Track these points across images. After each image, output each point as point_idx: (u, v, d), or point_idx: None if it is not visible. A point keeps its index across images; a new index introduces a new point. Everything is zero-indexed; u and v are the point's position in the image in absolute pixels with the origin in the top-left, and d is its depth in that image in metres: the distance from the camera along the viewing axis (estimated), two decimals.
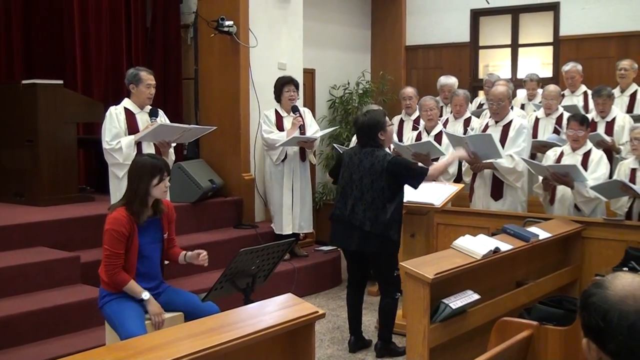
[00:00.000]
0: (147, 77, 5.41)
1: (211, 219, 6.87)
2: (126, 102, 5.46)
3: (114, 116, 5.33)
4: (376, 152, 4.89)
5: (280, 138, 6.49)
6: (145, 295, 3.96)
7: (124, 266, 3.96)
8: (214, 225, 6.86)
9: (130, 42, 7.53)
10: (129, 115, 5.40)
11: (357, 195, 4.89)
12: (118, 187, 5.25)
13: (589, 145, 5.95)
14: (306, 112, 6.84)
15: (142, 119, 5.45)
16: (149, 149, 5.35)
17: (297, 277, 6.45)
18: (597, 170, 5.75)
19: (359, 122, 5.00)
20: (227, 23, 6.97)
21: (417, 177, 4.88)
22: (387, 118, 5.08)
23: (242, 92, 7.14)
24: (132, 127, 5.38)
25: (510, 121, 6.14)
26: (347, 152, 5.20)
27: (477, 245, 4.43)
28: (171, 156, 5.52)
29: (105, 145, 5.30)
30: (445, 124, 7.10)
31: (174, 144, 5.55)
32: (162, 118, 5.56)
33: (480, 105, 8.26)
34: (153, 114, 5.47)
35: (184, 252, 4.30)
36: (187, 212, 6.57)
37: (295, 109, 6.60)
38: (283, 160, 6.67)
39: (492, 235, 4.98)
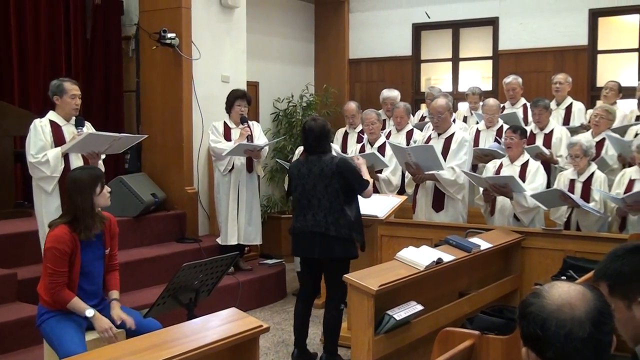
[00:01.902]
0: (72, 87, 5.17)
1: (153, 234, 6.77)
2: (51, 115, 5.18)
3: (39, 129, 5.06)
4: (323, 157, 4.94)
5: (226, 147, 6.45)
6: (90, 312, 3.86)
7: (66, 284, 3.86)
8: (157, 240, 6.76)
9: (69, 54, 7.39)
10: (55, 127, 5.14)
11: (314, 203, 4.91)
12: (46, 203, 5.05)
13: (527, 156, 6.12)
14: (254, 125, 6.83)
15: (69, 131, 5.19)
16: (77, 160, 5.13)
17: (242, 291, 6.40)
18: (535, 181, 5.93)
19: (309, 125, 5.02)
20: (169, 35, 6.91)
21: (361, 183, 4.94)
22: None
23: (185, 105, 7.08)
24: (58, 140, 5.12)
25: (452, 134, 6.25)
26: (292, 165, 5.21)
27: (420, 257, 4.49)
28: (101, 167, 5.32)
29: (30, 159, 5.02)
30: (387, 137, 7.18)
31: (103, 156, 5.32)
32: (89, 128, 5.32)
33: (423, 118, 8.38)
34: (79, 124, 5.22)
35: (115, 293, 4.15)
36: (128, 226, 6.45)
37: (243, 120, 6.57)
38: (230, 171, 6.63)
39: (435, 246, 5.06)
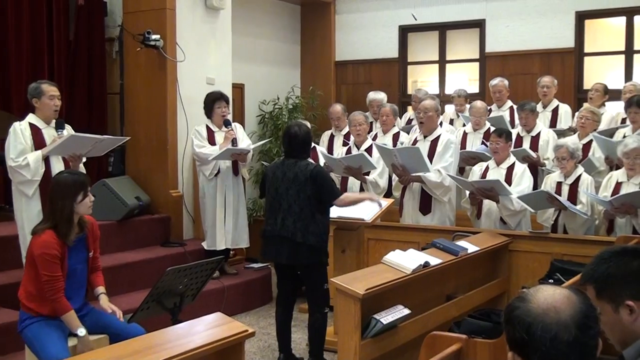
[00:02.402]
0: (50, 89, 5.13)
1: (138, 238, 6.74)
2: (31, 118, 5.15)
3: (19, 132, 5.02)
4: (299, 163, 4.95)
5: (212, 152, 6.43)
6: (82, 331, 3.84)
7: (64, 288, 3.85)
8: (141, 244, 6.73)
9: (52, 55, 7.33)
10: (35, 130, 5.10)
11: (285, 207, 4.91)
12: (26, 207, 5.01)
13: (513, 159, 6.16)
14: (238, 127, 6.82)
15: (49, 134, 5.15)
16: (58, 164, 5.10)
17: (227, 296, 6.39)
18: (521, 183, 5.96)
19: (292, 131, 5.03)
20: (153, 37, 6.88)
21: (331, 193, 4.94)
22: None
23: (169, 107, 7.06)
24: (38, 143, 5.08)
25: (439, 136, 6.28)
26: (269, 167, 5.24)
27: (407, 260, 4.50)
28: (82, 171, 5.25)
29: (10, 163, 4.97)
30: (374, 139, 7.19)
31: (84, 159, 5.27)
32: (70, 131, 5.26)
33: (410, 121, 8.39)
34: (59, 127, 5.18)
35: (101, 288, 4.20)
36: (112, 230, 6.42)
37: (227, 123, 6.56)
38: (216, 175, 6.61)
39: (422, 249, 5.08)
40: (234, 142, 6.47)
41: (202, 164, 6.60)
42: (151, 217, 7.01)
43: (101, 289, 4.21)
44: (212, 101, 6.57)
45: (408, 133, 7.41)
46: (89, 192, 4.00)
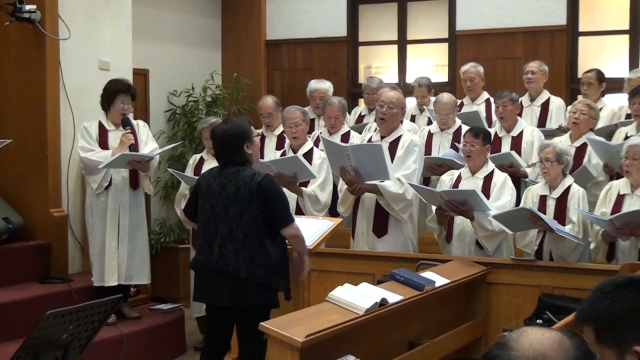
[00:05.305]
0: None
1: (7, 272, 6.64)
2: None
3: None
4: (242, 172, 4.89)
5: (102, 159, 6.34)
6: None
7: None
8: (11, 280, 6.63)
9: None
10: None
11: (224, 232, 4.86)
12: None
13: (491, 166, 6.21)
14: (141, 126, 6.75)
15: None
16: None
17: (127, 347, 6.31)
18: (501, 197, 6.02)
19: (219, 131, 5.00)
20: (27, 7, 6.76)
21: (283, 216, 4.90)
22: (252, 127, 5.13)
23: (50, 99, 6.97)
24: None
25: (399, 137, 6.34)
26: (203, 176, 5.17)
27: (359, 297, 4.52)
28: None
29: None
30: (316, 142, 7.20)
31: None
32: None
33: (361, 118, 8.44)
34: None
35: None
36: None
37: (126, 123, 6.48)
38: (107, 188, 6.53)
39: (378, 283, 5.10)
40: (133, 147, 6.40)
41: (90, 173, 6.52)
42: (25, 244, 6.91)
43: None
44: (115, 93, 6.51)
45: (360, 133, 7.46)
46: None
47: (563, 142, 6.51)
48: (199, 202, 5.04)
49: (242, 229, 4.82)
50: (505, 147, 6.98)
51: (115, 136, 6.52)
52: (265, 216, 4.84)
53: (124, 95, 6.52)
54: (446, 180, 6.33)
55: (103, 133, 6.55)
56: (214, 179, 4.97)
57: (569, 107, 7.19)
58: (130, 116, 6.63)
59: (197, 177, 5.63)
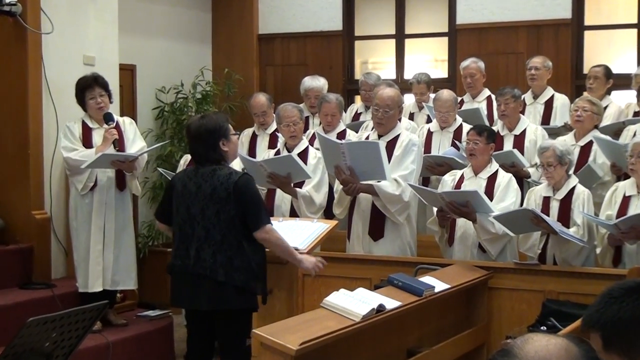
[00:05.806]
0: None
1: None
2: None
3: None
4: (218, 172, 4.88)
5: (85, 158, 6.32)
6: None
7: None
8: None
9: None
10: None
11: (200, 234, 4.85)
12: None
13: (495, 166, 6.23)
14: (127, 123, 6.72)
15: None
16: None
17: (113, 355, 6.31)
18: (505, 199, 6.03)
19: (193, 127, 4.98)
20: (7, 0, 6.76)
21: (257, 217, 4.86)
22: (230, 125, 5.11)
23: (31, 96, 6.96)
24: None
25: (397, 136, 6.34)
26: (178, 176, 5.17)
27: (355, 303, 4.51)
28: None
29: None
30: (311, 140, 7.19)
31: None
32: None
33: (358, 115, 8.44)
34: None
35: None
36: None
37: (108, 118, 6.46)
38: (92, 189, 6.52)
39: (375, 288, 5.10)
40: (118, 144, 6.38)
41: (74, 174, 6.51)
42: (5, 248, 6.89)
43: None
44: (82, 90, 6.47)
45: (356, 132, 7.46)
46: None
47: (567, 141, 6.50)
48: (173, 204, 5.02)
49: (219, 230, 4.82)
50: (508, 146, 6.99)
51: (99, 134, 6.50)
52: (242, 217, 4.85)
53: (91, 90, 6.46)
54: (448, 181, 6.34)
55: (87, 131, 6.53)
56: (189, 179, 4.96)
57: (572, 105, 7.19)
58: (115, 109, 6.59)
59: None
